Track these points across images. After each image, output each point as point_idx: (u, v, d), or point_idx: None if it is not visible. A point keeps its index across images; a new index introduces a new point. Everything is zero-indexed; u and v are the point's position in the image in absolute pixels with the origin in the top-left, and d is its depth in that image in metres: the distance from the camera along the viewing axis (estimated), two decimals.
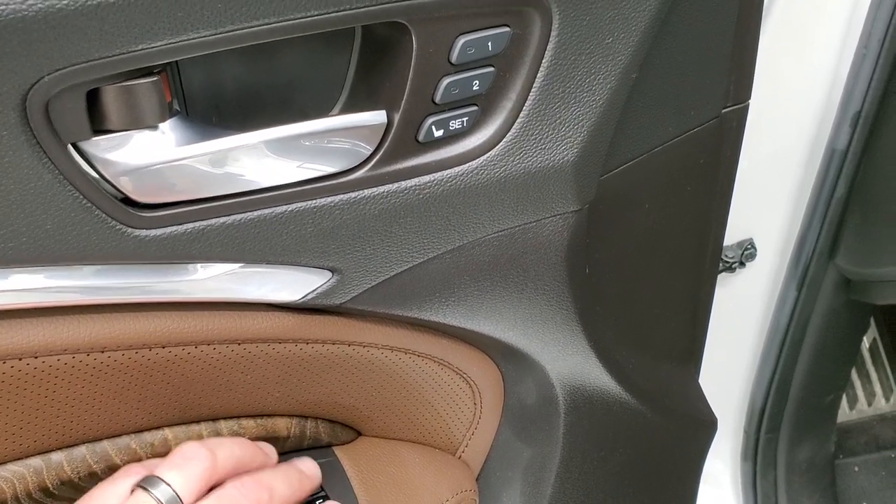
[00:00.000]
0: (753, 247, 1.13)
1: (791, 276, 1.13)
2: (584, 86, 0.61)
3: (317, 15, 0.51)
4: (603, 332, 0.76)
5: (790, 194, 1.09)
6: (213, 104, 0.56)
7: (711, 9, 0.70)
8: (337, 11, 0.51)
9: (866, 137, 1.01)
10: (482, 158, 0.61)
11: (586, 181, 0.65)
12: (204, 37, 0.49)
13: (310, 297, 0.61)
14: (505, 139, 0.61)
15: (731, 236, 1.13)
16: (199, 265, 0.57)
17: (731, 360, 1.22)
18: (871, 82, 0.98)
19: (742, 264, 1.14)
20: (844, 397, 1.52)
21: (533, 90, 0.60)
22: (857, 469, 1.47)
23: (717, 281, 1.12)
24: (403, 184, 0.60)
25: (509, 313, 0.69)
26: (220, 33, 0.49)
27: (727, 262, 1.12)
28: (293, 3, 0.50)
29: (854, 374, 1.56)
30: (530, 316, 0.70)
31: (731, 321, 1.17)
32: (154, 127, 0.52)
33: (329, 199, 0.58)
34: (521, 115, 0.61)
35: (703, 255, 0.87)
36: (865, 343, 1.57)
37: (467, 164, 0.61)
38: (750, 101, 0.81)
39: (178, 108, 0.54)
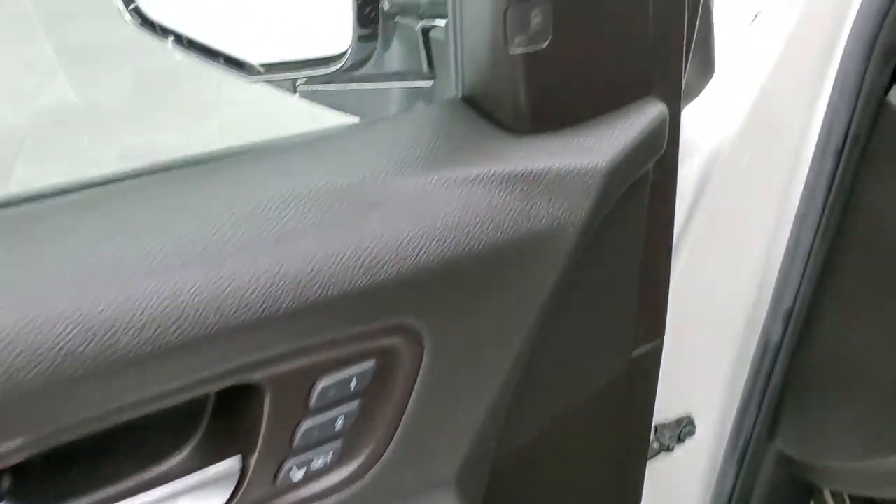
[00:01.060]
0: (692, 423, 1.11)
1: (731, 453, 1.11)
2: (461, 402, 0.58)
3: (164, 390, 0.48)
4: None
5: (727, 378, 1.07)
6: (57, 463, 0.53)
7: (613, 263, 0.66)
8: (184, 382, 0.49)
9: (799, 332, 0.99)
10: (349, 490, 0.58)
11: (474, 486, 0.63)
12: (46, 434, 0.46)
13: None
14: (374, 469, 0.58)
15: (670, 411, 1.11)
16: None
17: None
18: (801, 283, 0.96)
19: (680, 440, 1.12)
20: None
21: (405, 417, 0.57)
22: None
23: (656, 456, 1.10)
24: None
25: None
26: (65, 426, 0.46)
27: (664, 445, 1.09)
28: (139, 385, 0.47)
29: None
30: None
31: (670, 494, 1.15)
32: None
33: None
34: (392, 442, 0.57)
35: (625, 480, 0.85)
36: None
37: (332, 498, 0.58)
38: (664, 337, 0.78)
39: (5, 489, 0.51)
